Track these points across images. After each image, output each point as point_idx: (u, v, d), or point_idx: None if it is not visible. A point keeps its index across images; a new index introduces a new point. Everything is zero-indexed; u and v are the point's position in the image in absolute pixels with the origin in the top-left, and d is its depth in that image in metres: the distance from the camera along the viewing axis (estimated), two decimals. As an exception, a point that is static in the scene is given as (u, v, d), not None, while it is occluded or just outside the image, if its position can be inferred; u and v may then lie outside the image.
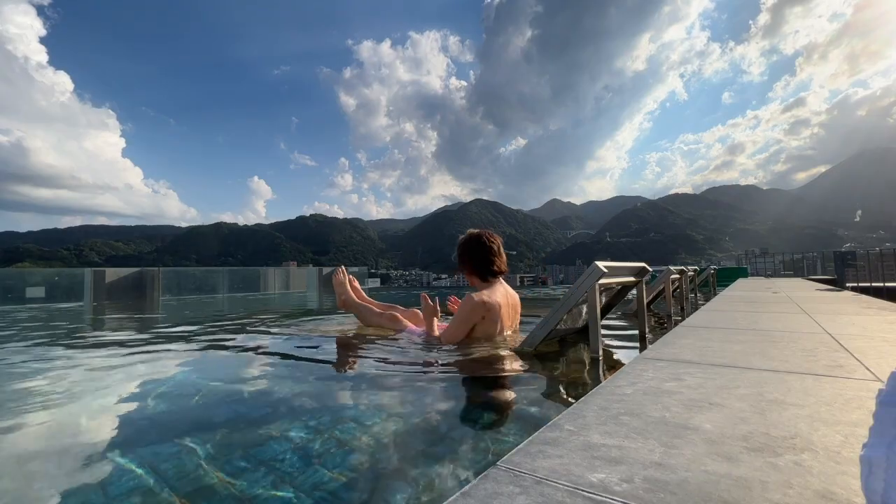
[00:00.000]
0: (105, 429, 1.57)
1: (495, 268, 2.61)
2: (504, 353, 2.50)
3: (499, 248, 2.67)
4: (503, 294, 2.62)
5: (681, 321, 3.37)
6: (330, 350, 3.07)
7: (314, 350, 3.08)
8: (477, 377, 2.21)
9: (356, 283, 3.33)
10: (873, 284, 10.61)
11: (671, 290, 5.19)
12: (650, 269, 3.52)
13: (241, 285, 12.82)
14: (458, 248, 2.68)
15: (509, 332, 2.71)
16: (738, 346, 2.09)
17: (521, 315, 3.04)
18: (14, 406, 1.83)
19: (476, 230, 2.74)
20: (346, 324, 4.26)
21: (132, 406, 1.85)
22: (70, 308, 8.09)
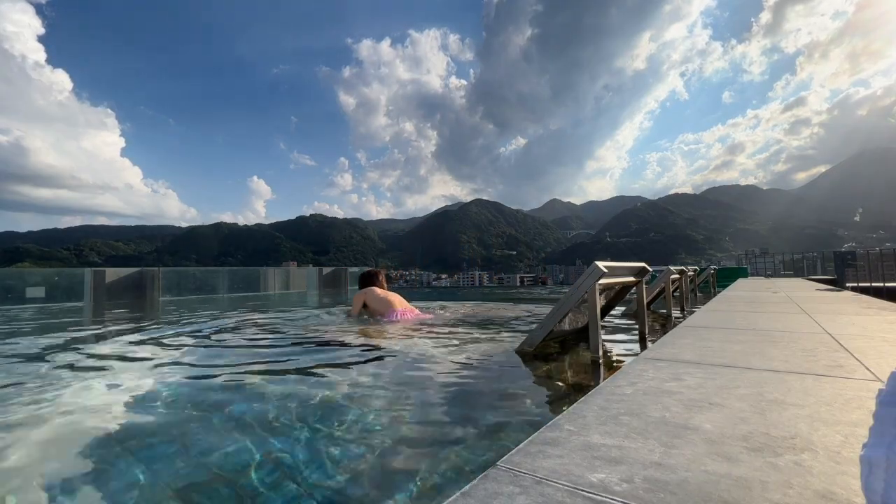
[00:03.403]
0: (102, 428, 1.57)
1: (370, 284, 4.76)
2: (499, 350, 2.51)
3: (377, 276, 4.87)
4: (376, 289, 4.61)
5: (681, 321, 3.37)
6: (324, 347, 3.08)
7: (309, 348, 3.09)
8: (476, 377, 2.21)
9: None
10: (873, 284, 10.61)
11: (671, 290, 5.19)
12: (650, 269, 3.52)
13: (241, 285, 12.82)
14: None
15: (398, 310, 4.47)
16: (738, 346, 2.10)
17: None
18: (12, 406, 1.83)
19: (368, 269, 5.06)
20: (342, 321, 4.28)
21: (129, 405, 1.85)
22: (70, 308, 8.09)
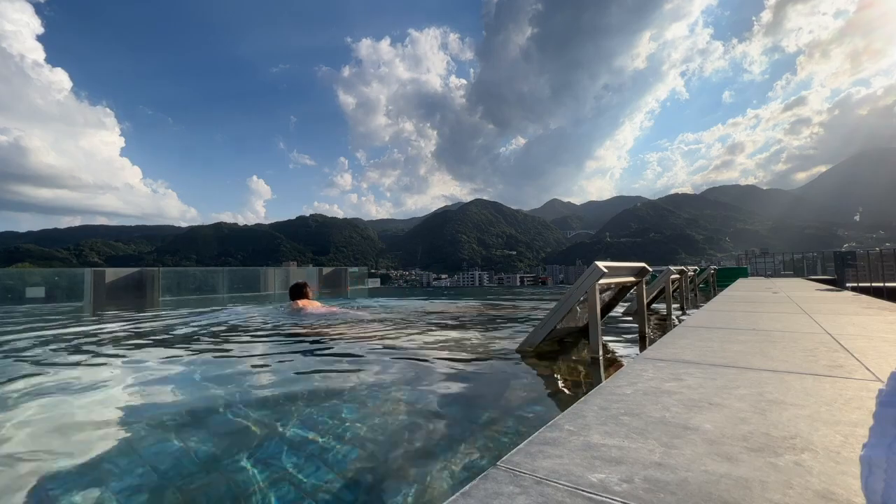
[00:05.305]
0: (104, 428, 1.57)
1: (295, 297, 5.81)
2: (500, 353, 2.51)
3: (304, 287, 5.87)
4: (301, 300, 5.71)
5: (681, 321, 3.37)
6: (322, 346, 3.07)
7: (307, 347, 3.09)
8: (476, 377, 2.22)
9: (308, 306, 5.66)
10: (873, 284, 10.59)
11: (671, 290, 5.19)
12: (650, 269, 3.52)
13: (240, 285, 12.82)
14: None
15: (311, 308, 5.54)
16: (738, 346, 2.10)
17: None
18: (13, 406, 1.83)
19: (296, 281, 6.03)
20: (335, 320, 4.29)
21: (131, 406, 1.85)
22: (70, 308, 8.09)
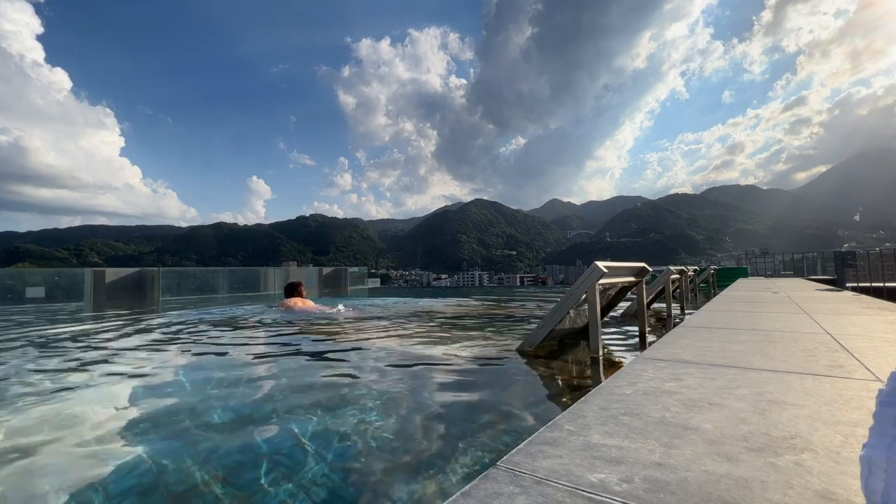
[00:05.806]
0: (102, 427, 1.57)
1: (289, 295, 5.99)
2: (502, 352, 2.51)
3: (299, 286, 6.10)
4: (294, 298, 5.90)
5: (681, 321, 3.37)
6: (317, 345, 3.08)
7: (301, 346, 3.09)
8: (476, 377, 2.22)
9: (300, 303, 5.88)
10: (873, 284, 10.58)
11: (671, 290, 5.19)
12: (650, 269, 3.52)
13: (240, 285, 12.81)
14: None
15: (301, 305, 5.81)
16: (738, 346, 2.10)
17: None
18: (12, 405, 1.83)
19: (291, 280, 6.35)
20: (331, 319, 4.29)
21: (129, 404, 1.85)
22: (70, 308, 8.09)
